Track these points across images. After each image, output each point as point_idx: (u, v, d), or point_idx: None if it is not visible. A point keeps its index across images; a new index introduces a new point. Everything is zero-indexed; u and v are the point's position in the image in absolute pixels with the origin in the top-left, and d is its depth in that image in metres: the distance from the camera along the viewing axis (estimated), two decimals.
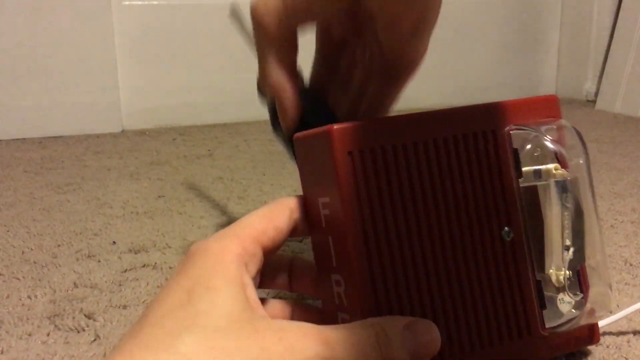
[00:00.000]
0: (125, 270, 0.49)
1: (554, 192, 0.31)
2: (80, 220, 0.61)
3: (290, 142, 0.35)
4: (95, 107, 1.09)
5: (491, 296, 0.31)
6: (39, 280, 0.47)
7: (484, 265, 0.31)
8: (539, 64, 1.53)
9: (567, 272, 0.31)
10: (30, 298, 0.44)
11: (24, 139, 1.04)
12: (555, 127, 0.32)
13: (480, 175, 0.31)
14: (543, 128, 0.32)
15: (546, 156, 0.32)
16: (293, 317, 0.33)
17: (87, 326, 0.40)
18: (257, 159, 0.89)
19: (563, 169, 0.31)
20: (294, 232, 0.32)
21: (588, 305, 0.32)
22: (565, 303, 0.32)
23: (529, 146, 0.32)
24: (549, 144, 0.32)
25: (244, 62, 1.21)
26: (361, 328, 0.27)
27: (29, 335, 0.39)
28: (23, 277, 0.48)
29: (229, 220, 0.60)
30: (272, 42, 0.34)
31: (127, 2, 1.11)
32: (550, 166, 0.31)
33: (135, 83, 1.13)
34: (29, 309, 0.42)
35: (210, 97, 1.20)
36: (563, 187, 0.31)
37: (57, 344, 0.38)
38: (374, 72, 0.35)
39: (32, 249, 0.54)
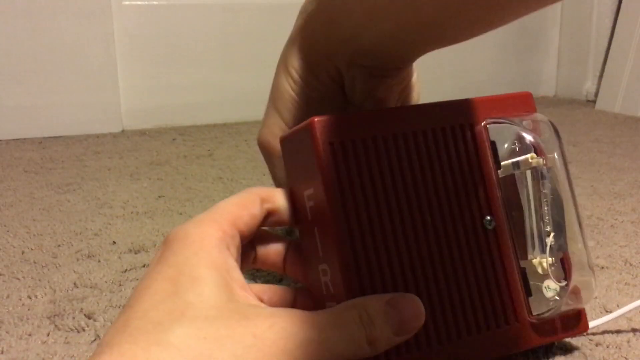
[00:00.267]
0: (126, 270, 0.49)
1: (530, 180, 0.32)
2: (80, 220, 0.61)
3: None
4: (95, 107, 1.09)
5: (476, 284, 0.31)
6: (39, 280, 0.47)
7: (467, 254, 0.31)
8: (539, 64, 1.53)
9: (550, 258, 0.32)
10: (30, 298, 0.44)
11: (24, 139, 1.04)
12: (530, 120, 0.34)
13: (459, 166, 0.32)
14: (519, 120, 0.34)
15: (523, 148, 0.33)
16: (295, 303, 0.33)
17: (87, 326, 0.40)
18: (257, 159, 0.89)
19: (539, 157, 0.32)
20: (268, 222, 0.32)
21: (570, 289, 0.32)
22: (551, 290, 0.32)
23: (506, 138, 0.33)
24: (524, 134, 0.33)
25: (244, 62, 1.22)
26: (345, 309, 0.27)
27: (29, 335, 0.39)
28: (23, 277, 0.48)
29: None
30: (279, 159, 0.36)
31: (127, 2, 1.11)
32: (527, 156, 0.32)
33: (135, 83, 1.13)
34: (29, 309, 0.42)
35: (210, 97, 1.20)
36: (539, 174, 0.32)
37: (57, 344, 0.38)
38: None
39: (32, 249, 0.54)
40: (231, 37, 1.20)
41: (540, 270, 0.32)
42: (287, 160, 0.33)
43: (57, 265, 0.50)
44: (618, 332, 0.38)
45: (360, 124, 0.30)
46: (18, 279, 0.47)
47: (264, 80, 1.44)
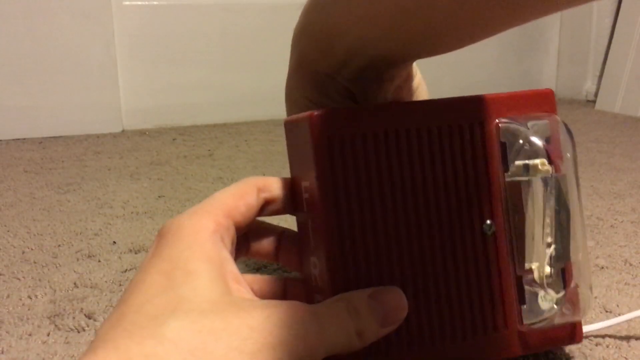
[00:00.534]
0: (126, 270, 0.49)
1: (537, 187, 0.31)
2: (80, 220, 0.61)
3: None
4: (95, 107, 1.09)
5: (466, 287, 0.31)
6: (39, 280, 0.47)
7: (461, 257, 0.31)
8: (539, 64, 1.53)
9: (549, 269, 0.31)
10: (31, 298, 0.44)
11: (24, 139, 1.04)
12: (547, 122, 0.32)
13: (463, 167, 0.31)
14: (533, 122, 0.32)
15: (533, 152, 0.32)
16: (286, 293, 0.33)
17: (88, 326, 0.40)
18: (257, 159, 0.89)
19: (549, 165, 0.31)
20: (265, 211, 0.32)
21: (566, 303, 0.32)
22: (547, 300, 0.32)
23: (519, 140, 0.32)
24: (535, 139, 0.31)
25: (244, 62, 1.22)
26: (334, 302, 0.28)
27: (29, 335, 0.39)
28: (23, 277, 0.48)
29: None
30: None
31: (127, 2, 1.11)
32: (537, 161, 0.31)
33: (135, 83, 1.13)
34: (29, 309, 0.42)
35: (210, 97, 1.20)
36: (547, 183, 0.31)
37: (57, 344, 0.38)
38: None
39: (32, 249, 0.54)
40: (231, 37, 1.20)
41: (538, 280, 0.31)
42: (289, 147, 0.33)
43: (58, 265, 0.50)
44: (618, 332, 0.38)
45: (361, 119, 0.30)
46: (18, 279, 0.47)
47: (264, 81, 1.44)
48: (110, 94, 1.10)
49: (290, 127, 0.32)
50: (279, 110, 1.35)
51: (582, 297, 0.32)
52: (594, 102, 1.37)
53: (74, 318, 0.41)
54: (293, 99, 0.35)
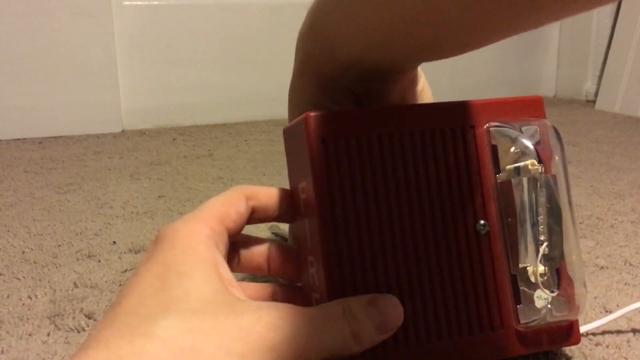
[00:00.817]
0: (126, 270, 0.49)
1: (528, 187, 0.32)
2: (80, 220, 0.61)
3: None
4: (95, 107, 1.09)
5: (462, 287, 0.31)
6: (39, 280, 0.47)
7: (455, 257, 0.31)
8: (539, 64, 1.53)
9: (544, 268, 0.32)
10: (31, 298, 0.44)
11: (24, 139, 1.04)
12: (537, 126, 0.33)
13: (456, 169, 0.32)
14: (523, 126, 0.33)
15: (524, 154, 0.33)
16: (274, 298, 0.34)
17: (88, 326, 0.40)
18: (257, 159, 0.89)
19: (538, 165, 0.32)
20: (252, 218, 0.33)
21: (562, 299, 0.32)
22: (542, 299, 0.32)
23: (510, 143, 0.33)
24: (525, 141, 0.32)
25: (244, 62, 1.22)
26: (331, 306, 0.28)
27: (29, 335, 0.39)
28: (23, 277, 0.48)
29: None
30: None
31: (127, 2, 1.11)
32: (527, 162, 0.32)
33: (135, 83, 1.13)
34: (29, 309, 0.42)
35: (210, 97, 1.20)
36: (537, 182, 0.32)
37: (57, 344, 0.38)
38: None
39: (32, 249, 0.54)
40: (231, 37, 1.20)
41: (533, 279, 0.32)
42: (287, 153, 0.34)
43: (57, 265, 0.50)
44: (618, 332, 0.38)
45: (356, 122, 0.31)
46: (18, 279, 0.47)
47: (264, 81, 1.44)
48: (110, 94, 1.10)
49: (288, 133, 0.33)
50: (279, 110, 1.35)
51: (577, 296, 0.32)
52: (594, 102, 1.37)
53: (74, 318, 0.41)
54: (296, 102, 0.36)
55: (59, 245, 0.55)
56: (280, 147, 1.01)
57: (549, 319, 0.32)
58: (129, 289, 0.26)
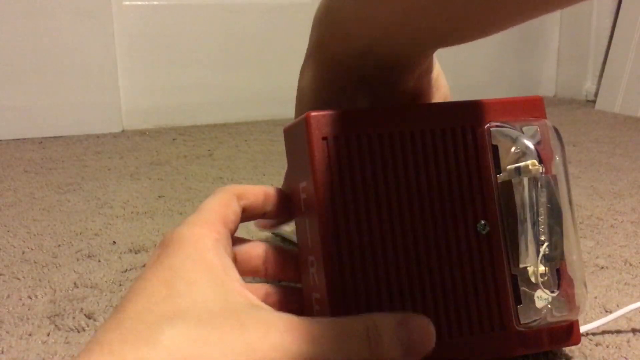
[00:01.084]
0: (126, 270, 0.49)
1: (528, 187, 0.32)
2: (80, 220, 0.61)
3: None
4: (95, 107, 1.09)
5: (462, 286, 0.31)
6: (39, 280, 0.47)
7: (455, 256, 0.31)
8: (539, 64, 1.53)
9: (544, 268, 0.32)
10: (31, 298, 0.44)
11: (24, 139, 1.04)
12: (537, 126, 0.33)
13: (457, 169, 0.32)
14: (524, 126, 0.33)
15: (524, 154, 0.33)
16: (267, 298, 0.34)
17: (88, 326, 0.40)
18: (257, 159, 0.89)
19: (539, 165, 0.32)
20: (242, 217, 0.33)
21: (561, 303, 0.32)
22: (542, 299, 0.32)
23: (510, 143, 0.33)
24: (525, 141, 0.33)
25: (244, 62, 1.22)
26: (350, 322, 0.26)
27: (29, 335, 0.39)
28: (23, 277, 0.48)
29: None
30: None
31: (127, 2, 1.11)
32: (528, 162, 0.32)
33: (135, 83, 1.13)
34: (29, 309, 0.42)
35: (210, 97, 1.20)
36: (538, 182, 0.32)
37: (57, 344, 0.38)
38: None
39: (32, 249, 0.54)
40: (231, 37, 1.20)
41: (533, 279, 0.32)
42: (288, 152, 0.34)
43: (57, 265, 0.50)
44: (618, 332, 0.38)
45: (357, 121, 0.31)
46: (18, 279, 0.47)
47: (264, 81, 1.44)
48: (110, 94, 1.10)
49: (288, 132, 0.33)
50: (279, 110, 1.35)
51: (577, 296, 0.32)
52: (594, 102, 1.37)
53: (74, 318, 0.41)
54: (304, 91, 0.35)
55: (59, 245, 0.55)
56: (280, 147, 1.01)
57: (549, 319, 0.32)
58: (135, 293, 0.26)
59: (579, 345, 0.34)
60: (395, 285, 0.30)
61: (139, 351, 0.23)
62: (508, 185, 0.32)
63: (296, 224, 0.33)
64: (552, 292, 0.32)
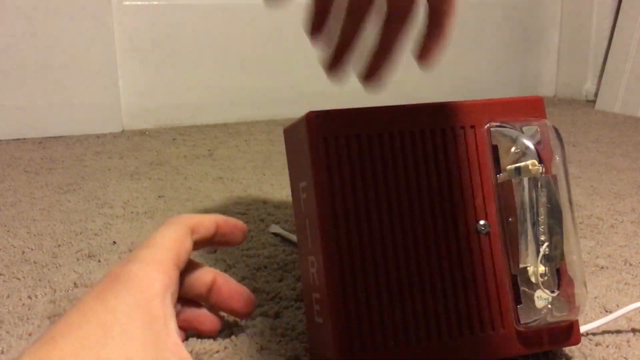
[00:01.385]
0: None
1: (528, 187, 0.32)
2: (80, 220, 0.61)
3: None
4: (95, 107, 1.09)
5: (462, 286, 0.31)
6: (39, 280, 0.47)
7: (455, 256, 0.31)
8: (539, 64, 1.53)
9: (544, 268, 0.32)
10: (31, 298, 0.44)
11: (24, 139, 1.04)
12: (537, 126, 0.33)
13: (457, 169, 0.32)
14: (524, 126, 0.33)
15: (524, 154, 0.33)
16: (179, 314, 0.34)
17: None
18: (257, 159, 0.89)
19: (539, 165, 0.32)
20: (196, 248, 0.33)
21: (561, 303, 0.32)
22: (542, 299, 0.32)
23: (510, 143, 0.33)
24: (525, 141, 0.33)
25: (244, 62, 1.22)
26: None
27: (29, 335, 0.39)
28: (23, 277, 0.48)
29: None
30: None
31: (127, 2, 1.11)
32: (528, 162, 0.32)
33: (135, 83, 1.13)
34: (29, 309, 0.42)
35: (210, 97, 1.20)
36: (538, 182, 0.32)
37: None
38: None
39: (32, 249, 0.54)
40: (231, 37, 1.20)
41: (533, 279, 0.32)
42: (288, 152, 0.34)
43: (57, 265, 0.50)
44: (618, 332, 0.38)
45: (357, 120, 0.31)
46: (18, 279, 0.47)
47: (264, 81, 1.44)
48: (110, 94, 1.10)
49: (288, 133, 0.34)
50: (279, 110, 1.35)
51: (577, 296, 0.32)
52: (594, 102, 1.37)
53: None
54: None
55: (59, 245, 0.55)
56: (280, 147, 1.01)
57: (549, 319, 0.32)
58: (70, 326, 0.25)
59: (579, 345, 0.34)
60: (395, 285, 0.30)
61: None
62: (508, 186, 0.32)
63: (296, 224, 0.33)
64: (552, 292, 0.32)
